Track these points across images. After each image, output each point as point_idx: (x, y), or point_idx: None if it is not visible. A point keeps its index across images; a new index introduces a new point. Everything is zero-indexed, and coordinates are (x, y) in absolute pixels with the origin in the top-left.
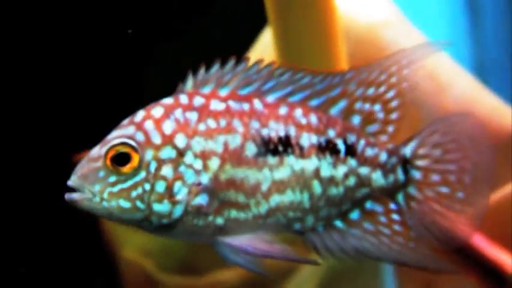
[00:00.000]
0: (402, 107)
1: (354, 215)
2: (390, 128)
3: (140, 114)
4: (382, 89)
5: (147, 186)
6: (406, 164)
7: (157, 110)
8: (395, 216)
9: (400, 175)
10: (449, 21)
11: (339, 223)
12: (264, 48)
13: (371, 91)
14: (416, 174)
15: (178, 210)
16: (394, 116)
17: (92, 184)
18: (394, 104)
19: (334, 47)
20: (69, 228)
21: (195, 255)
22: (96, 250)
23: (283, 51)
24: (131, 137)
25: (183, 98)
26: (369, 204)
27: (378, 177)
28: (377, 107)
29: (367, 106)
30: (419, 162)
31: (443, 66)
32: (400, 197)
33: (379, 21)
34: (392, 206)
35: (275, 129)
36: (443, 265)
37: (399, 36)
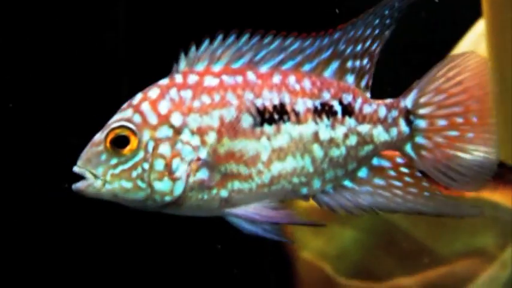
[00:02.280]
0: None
1: (362, 173)
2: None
3: (138, 97)
4: (368, 43)
5: (146, 166)
6: (409, 115)
7: (153, 92)
8: (404, 169)
9: (403, 127)
10: None
11: (348, 183)
12: (476, 39)
13: (359, 47)
14: (422, 123)
15: (179, 187)
16: (375, 60)
17: (94, 167)
18: (377, 52)
19: None
20: None
21: (372, 260)
22: (274, 249)
23: (497, 48)
24: (129, 120)
25: (178, 78)
26: (375, 161)
27: (379, 133)
28: (365, 61)
29: (357, 63)
30: (423, 111)
31: None
32: (409, 148)
33: None
34: (399, 160)
35: (269, 98)
36: (462, 209)
37: None
